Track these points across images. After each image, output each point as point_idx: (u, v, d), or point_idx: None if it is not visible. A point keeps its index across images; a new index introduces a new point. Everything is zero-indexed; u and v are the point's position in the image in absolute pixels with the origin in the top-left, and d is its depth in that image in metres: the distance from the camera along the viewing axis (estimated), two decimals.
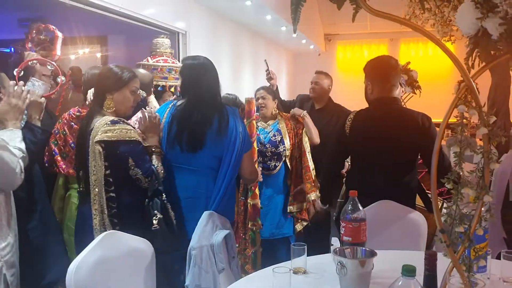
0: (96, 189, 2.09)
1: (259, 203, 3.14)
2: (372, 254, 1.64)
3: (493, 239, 4.31)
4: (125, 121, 2.19)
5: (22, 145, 2.08)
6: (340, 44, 10.30)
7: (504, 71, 5.71)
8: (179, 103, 2.38)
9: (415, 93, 4.67)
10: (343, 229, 1.79)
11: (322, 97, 4.02)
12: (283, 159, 3.38)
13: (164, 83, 3.28)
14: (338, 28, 9.83)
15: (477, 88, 4.43)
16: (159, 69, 3.26)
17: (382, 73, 2.66)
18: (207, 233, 2.08)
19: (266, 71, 3.99)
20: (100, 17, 4.21)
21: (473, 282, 1.25)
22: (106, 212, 2.08)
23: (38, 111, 2.34)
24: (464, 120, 1.24)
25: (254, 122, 2.98)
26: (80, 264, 1.62)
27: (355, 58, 10.04)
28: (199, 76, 2.36)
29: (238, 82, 6.85)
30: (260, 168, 3.02)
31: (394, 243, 2.21)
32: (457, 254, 1.28)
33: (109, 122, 2.11)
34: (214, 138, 2.27)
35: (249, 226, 3.14)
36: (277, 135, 3.37)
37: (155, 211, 2.13)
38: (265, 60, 4.01)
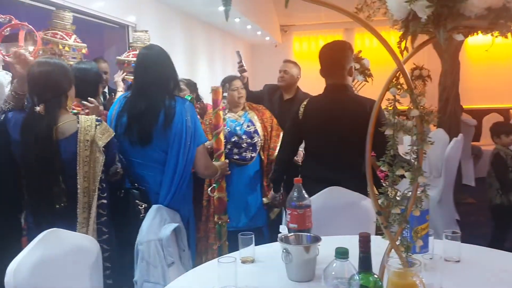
0: (86, 198, 2.01)
1: (226, 197, 3.12)
2: (317, 239, 1.65)
3: (446, 221, 4.48)
4: None
5: None
6: (296, 35, 10.35)
7: (453, 58, 5.90)
8: (129, 94, 2.34)
9: (367, 81, 4.75)
10: (289, 216, 1.79)
11: (291, 87, 3.98)
12: (258, 149, 3.37)
13: None
14: (293, 19, 9.88)
15: (429, 75, 4.54)
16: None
17: (332, 58, 2.66)
18: (155, 227, 2.04)
19: (238, 62, 3.89)
20: (47, 12, 4.08)
21: (410, 262, 1.27)
22: (93, 221, 2.01)
23: None
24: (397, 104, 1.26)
25: (220, 112, 2.91)
26: (19, 264, 1.56)
27: (311, 49, 10.13)
28: (147, 66, 2.33)
29: (194, 74, 6.78)
30: (227, 161, 2.97)
31: (344, 229, 2.24)
32: (395, 236, 1.30)
33: (97, 123, 2.05)
34: (160, 132, 2.24)
35: (215, 219, 3.12)
36: (251, 125, 3.36)
37: (137, 201, 2.15)
38: (238, 51, 3.90)
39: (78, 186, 2.01)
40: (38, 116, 2.00)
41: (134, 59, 3.02)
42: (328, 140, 2.58)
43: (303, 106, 2.70)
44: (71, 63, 2.84)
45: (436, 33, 1.23)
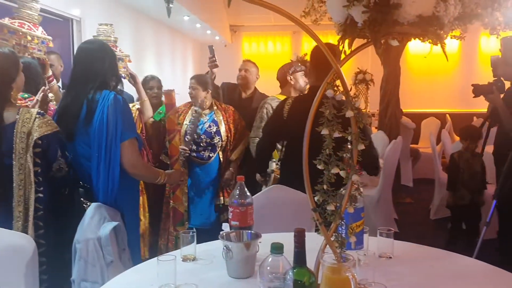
0: (22, 191, 1.94)
1: (183, 208, 3.08)
2: (257, 236, 1.68)
3: (385, 220, 4.65)
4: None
5: None
6: (245, 36, 10.42)
7: (395, 63, 6.14)
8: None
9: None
10: (231, 214, 1.81)
11: (249, 86, 4.01)
12: (217, 150, 3.38)
13: None
14: (243, 20, 9.94)
15: (372, 80, 4.67)
16: None
17: (319, 61, 2.69)
18: (94, 225, 2.00)
19: (210, 58, 3.82)
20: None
21: (344, 258, 1.32)
22: (31, 215, 1.94)
23: None
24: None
25: (172, 117, 2.86)
26: None
27: (260, 50, 10.23)
28: (78, 60, 2.30)
29: (140, 71, 6.68)
30: (182, 170, 2.94)
31: (286, 226, 2.28)
32: (329, 232, 1.35)
33: (38, 116, 1.99)
34: (82, 127, 2.20)
35: (171, 230, 3.08)
36: (213, 125, 3.36)
37: (82, 199, 2.10)
38: (211, 46, 3.83)
39: (14, 179, 1.96)
40: None
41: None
42: (312, 139, 2.59)
43: (288, 104, 2.69)
44: (36, 55, 2.74)
45: (372, 38, 1.28)
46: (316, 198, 1.33)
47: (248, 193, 1.84)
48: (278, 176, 3.21)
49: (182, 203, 3.19)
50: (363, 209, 1.70)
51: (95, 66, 2.25)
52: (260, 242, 1.68)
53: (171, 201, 3.13)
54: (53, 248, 2.02)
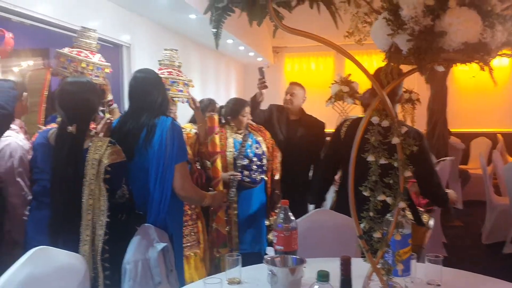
0: (90, 215, 2.04)
1: (225, 229, 3.09)
2: (302, 261, 1.68)
3: (433, 244, 4.51)
4: None
5: None
6: (288, 57, 10.48)
7: (441, 82, 6.02)
8: (123, 113, 2.42)
9: (356, 104, 4.84)
10: (275, 238, 1.82)
11: (296, 108, 4.01)
12: (266, 171, 3.37)
13: None
14: (286, 41, 10.02)
15: (418, 99, 4.59)
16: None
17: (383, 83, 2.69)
18: (143, 247, 2.06)
19: (260, 79, 3.78)
20: (43, 30, 4.14)
21: (390, 285, 1.30)
22: (101, 239, 2.04)
23: None
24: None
25: (216, 139, 2.91)
26: (6, 282, 1.57)
27: (302, 70, 10.26)
28: (137, 88, 2.42)
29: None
30: (224, 191, 2.94)
31: (329, 251, 2.27)
32: (376, 259, 1.34)
33: (110, 145, 2.10)
34: (142, 150, 2.28)
35: (214, 252, 3.09)
36: (259, 147, 3.36)
37: (136, 227, 2.15)
38: (261, 68, 3.84)
39: (83, 203, 2.05)
40: (69, 136, 2.10)
41: (170, 76, 3.02)
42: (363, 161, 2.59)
43: (346, 125, 2.71)
44: (94, 81, 2.81)
45: (417, 65, 1.29)
46: (362, 225, 1.33)
47: (293, 217, 1.85)
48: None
49: (225, 224, 3.19)
50: (410, 235, 1.67)
51: (152, 94, 2.37)
52: (304, 267, 1.68)
53: (214, 223, 3.15)
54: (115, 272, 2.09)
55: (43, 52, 6.37)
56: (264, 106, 4.10)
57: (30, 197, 2.37)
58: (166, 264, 2.12)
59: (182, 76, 3.15)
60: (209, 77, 8.18)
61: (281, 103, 4.18)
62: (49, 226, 2.13)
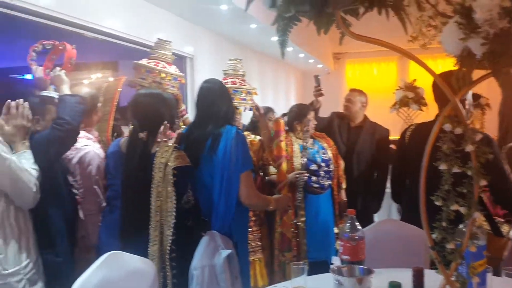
0: (158, 216, 2.15)
1: (290, 233, 3.09)
2: (369, 272, 1.65)
3: (510, 257, 4.26)
4: None
5: (36, 166, 2.14)
6: (349, 63, 10.35)
7: None
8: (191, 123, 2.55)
9: (422, 110, 4.68)
10: (342, 248, 1.80)
11: (356, 115, 3.95)
12: (333, 177, 3.35)
13: None
14: (346, 47, 9.90)
15: (488, 104, 4.38)
16: None
17: (439, 88, 2.67)
18: (209, 253, 2.10)
19: (316, 87, 3.78)
20: (112, 44, 4.36)
21: None
22: (168, 239, 2.13)
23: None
24: None
25: (281, 144, 2.93)
26: (82, 286, 1.65)
27: (364, 76, 10.08)
28: (204, 98, 2.48)
29: None
30: (289, 195, 2.94)
31: (396, 261, 2.21)
32: (449, 271, 1.29)
33: (175, 149, 2.21)
34: (206, 158, 2.33)
35: (279, 256, 3.10)
36: (326, 152, 3.35)
37: (202, 233, 2.22)
38: (317, 75, 3.84)
39: (152, 205, 2.15)
40: (140, 142, 2.26)
41: (233, 86, 3.10)
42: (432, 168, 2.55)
43: (410, 130, 2.73)
44: (170, 91, 2.95)
45: (492, 70, 1.23)
46: (434, 236, 1.28)
47: (359, 227, 1.82)
48: None
49: (290, 228, 3.17)
50: (485, 247, 1.59)
51: (216, 104, 2.43)
52: (372, 277, 1.65)
53: (279, 227, 3.14)
54: (181, 276, 2.15)
55: (112, 65, 6.70)
56: (326, 113, 4.08)
57: (104, 204, 2.51)
58: (231, 271, 2.14)
59: (245, 85, 3.19)
60: (268, 85, 8.24)
61: (341, 110, 4.14)
62: (121, 227, 2.26)
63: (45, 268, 2.21)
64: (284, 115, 3.65)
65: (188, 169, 2.23)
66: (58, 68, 2.49)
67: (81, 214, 2.49)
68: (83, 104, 2.39)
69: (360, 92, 4.04)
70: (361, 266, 1.72)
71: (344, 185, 3.45)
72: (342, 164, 3.49)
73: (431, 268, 1.94)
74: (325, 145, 3.39)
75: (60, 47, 2.65)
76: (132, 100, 2.42)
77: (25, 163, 2.08)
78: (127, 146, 2.32)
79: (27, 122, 2.18)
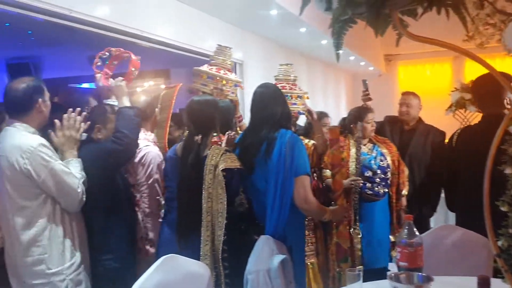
0: (209, 217, 2.21)
1: (346, 243, 3.04)
2: (429, 279, 1.60)
3: None
4: None
5: (82, 173, 2.22)
6: (401, 64, 10.13)
7: None
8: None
9: (480, 112, 4.50)
10: (399, 254, 1.75)
11: (413, 118, 3.87)
12: (389, 184, 3.26)
13: None
14: (398, 48, 9.63)
15: None
16: None
17: (490, 90, 2.65)
18: (264, 257, 2.10)
19: (364, 91, 3.67)
20: (163, 52, 4.47)
21: None
22: (220, 239, 2.18)
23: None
24: None
25: (336, 152, 2.89)
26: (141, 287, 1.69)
27: (417, 78, 9.82)
28: (257, 103, 2.50)
29: None
30: (345, 206, 2.87)
31: (457, 269, 2.13)
32: None
33: (225, 152, 2.28)
34: (261, 162, 2.34)
35: (334, 266, 3.07)
36: (383, 159, 3.26)
37: (255, 236, 2.24)
38: (365, 80, 3.76)
39: (203, 206, 2.21)
40: (194, 144, 2.33)
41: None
42: (480, 171, 2.48)
43: (457, 133, 2.77)
44: (230, 97, 3.00)
45: None
46: (500, 243, 1.23)
47: (417, 233, 1.77)
48: None
49: (347, 239, 3.10)
50: None
51: (272, 108, 2.44)
52: (431, 286, 1.60)
53: (335, 237, 3.09)
54: (233, 277, 2.19)
55: (163, 72, 6.88)
56: (378, 117, 3.99)
57: (163, 202, 2.62)
58: (285, 275, 2.13)
59: (295, 90, 3.17)
60: (317, 89, 8.20)
61: (394, 113, 4.03)
62: (176, 227, 2.35)
63: (105, 273, 2.28)
64: (344, 119, 3.59)
65: (238, 172, 2.26)
66: (120, 78, 2.56)
67: (139, 215, 2.57)
68: (140, 117, 2.46)
69: (415, 94, 3.93)
70: (420, 273, 1.66)
71: (404, 192, 3.34)
72: (405, 171, 3.38)
73: (496, 277, 1.86)
74: (384, 151, 3.30)
75: (125, 55, 2.71)
76: (187, 106, 2.50)
77: (72, 169, 2.17)
78: (182, 149, 2.41)
79: (76, 133, 2.26)
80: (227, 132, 2.54)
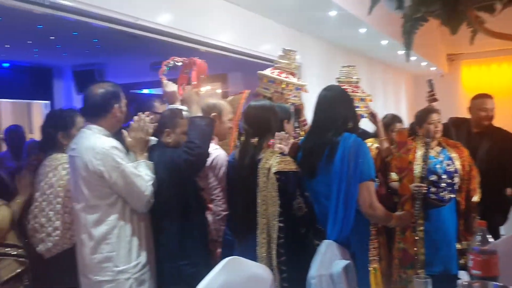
0: (265, 220, 2.22)
1: (413, 250, 2.97)
2: None
3: None
4: None
5: (152, 176, 2.27)
6: (464, 64, 9.73)
7: None
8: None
9: None
10: (471, 262, 1.67)
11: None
12: (457, 190, 3.12)
13: None
14: (462, 48, 9.31)
15: None
16: None
17: None
18: (326, 262, 2.07)
19: (429, 92, 3.59)
20: (221, 57, 4.54)
21: None
22: (275, 242, 2.17)
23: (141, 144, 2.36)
24: None
25: (404, 155, 2.82)
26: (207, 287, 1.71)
27: (482, 78, 9.38)
28: (320, 106, 2.47)
29: None
30: (412, 212, 2.83)
31: None
32: None
33: (279, 155, 2.28)
34: (324, 166, 2.30)
35: (398, 271, 3.01)
36: (451, 164, 3.12)
37: (316, 241, 2.22)
38: (430, 80, 3.65)
39: (258, 209, 2.20)
40: (251, 148, 2.36)
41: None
42: None
43: None
44: (292, 101, 2.99)
45: None
46: None
47: (491, 240, 1.68)
48: None
49: (413, 245, 2.99)
50: None
51: (336, 111, 2.40)
52: None
53: (401, 243, 2.99)
54: (291, 281, 2.16)
55: (221, 77, 6.99)
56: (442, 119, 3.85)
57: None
58: (348, 281, 2.09)
59: (358, 92, 3.11)
60: (377, 91, 8.03)
61: (456, 114, 3.87)
62: (235, 230, 2.41)
63: (181, 278, 2.28)
64: (412, 123, 3.47)
65: (292, 174, 2.23)
66: (189, 87, 2.57)
67: (209, 218, 2.62)
68: (211, 126, 2.46)
69: (490, 97, 3.74)
70: (496, 283, 1.58)
71: (475, 198, 3.16)
72: (477, 177, 3.19)
73: None
74: (454, 155, 3.14)
75: (189, 62, 2.73)
76: (245, 110, 2.56)
77: (142, 171, 2.23)
78: (239, 151, 2.44)
79: (145, 136, 2.33)
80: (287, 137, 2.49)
